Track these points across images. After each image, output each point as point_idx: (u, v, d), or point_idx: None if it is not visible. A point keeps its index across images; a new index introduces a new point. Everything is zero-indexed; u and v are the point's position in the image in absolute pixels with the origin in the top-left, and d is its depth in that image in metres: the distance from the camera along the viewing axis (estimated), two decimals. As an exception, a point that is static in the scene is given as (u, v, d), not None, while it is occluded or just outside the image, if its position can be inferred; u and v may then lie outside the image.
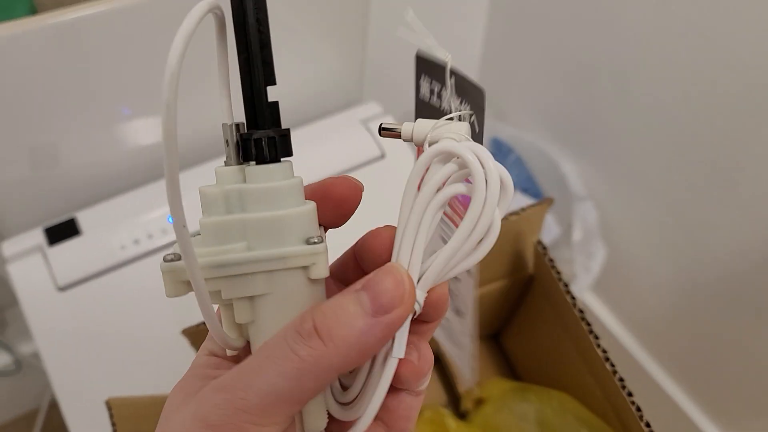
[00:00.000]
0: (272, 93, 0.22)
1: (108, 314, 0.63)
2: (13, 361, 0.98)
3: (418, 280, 0.22)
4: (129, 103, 0.64)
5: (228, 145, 0.23)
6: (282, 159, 0.22)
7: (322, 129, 0.75)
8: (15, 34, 0.54)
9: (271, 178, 0.22)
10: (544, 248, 0.58)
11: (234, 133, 0.23)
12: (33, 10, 0.65)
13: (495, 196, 0.21)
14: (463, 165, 0.22)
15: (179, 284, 0.21)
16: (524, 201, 1.02)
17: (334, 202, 0.24)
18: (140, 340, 0.63)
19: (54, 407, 1.11)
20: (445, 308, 0.24)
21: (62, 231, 0.66)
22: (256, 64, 0.22)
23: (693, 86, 0.73)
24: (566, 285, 0.54)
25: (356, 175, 0.72)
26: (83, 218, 0.67)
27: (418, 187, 0.23)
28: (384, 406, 0.23)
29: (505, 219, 0.52)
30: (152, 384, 0.48)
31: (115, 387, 0.52)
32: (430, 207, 0.22)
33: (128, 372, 0.61)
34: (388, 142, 0.74)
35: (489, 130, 1.05)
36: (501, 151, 1.04)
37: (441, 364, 0.69)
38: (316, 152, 0.72)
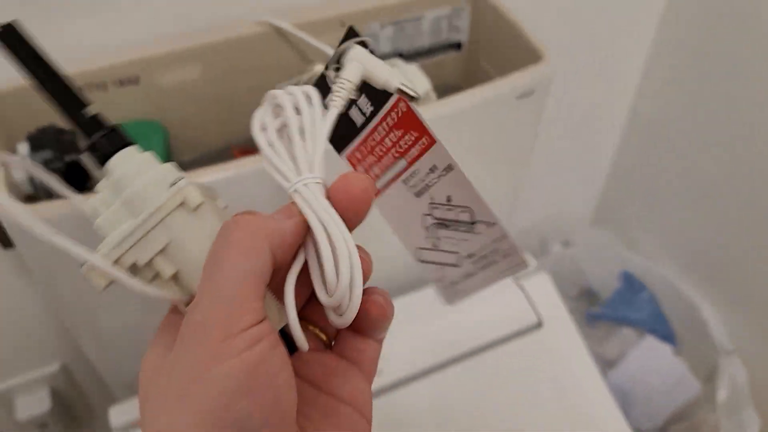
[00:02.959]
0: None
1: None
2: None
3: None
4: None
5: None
6: (126, 145, 0.27)
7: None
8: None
9: (125, 161, 0.27)
10: None
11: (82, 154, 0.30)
12: (168, 142, 0.57)
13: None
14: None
15: (98, 277, 0.25)
16: (655, 344, 0.91)
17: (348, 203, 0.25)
18: None
19: None
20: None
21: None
22: (60, 96, 0.28)
23: None
24: None
25: (507, 349, 0.62)
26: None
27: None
28: (356, 348, 0.27)
29: None
30: None
31: None
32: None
33: None
34: (546, 307, 0.64)
35: (619, 262, 0.95)
36: (632, 288, 0.93)
37: None
38: (455, 316, 0.62)
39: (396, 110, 0.29)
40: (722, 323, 0.88)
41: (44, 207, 0.44)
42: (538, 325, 0.63)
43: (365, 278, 0.25)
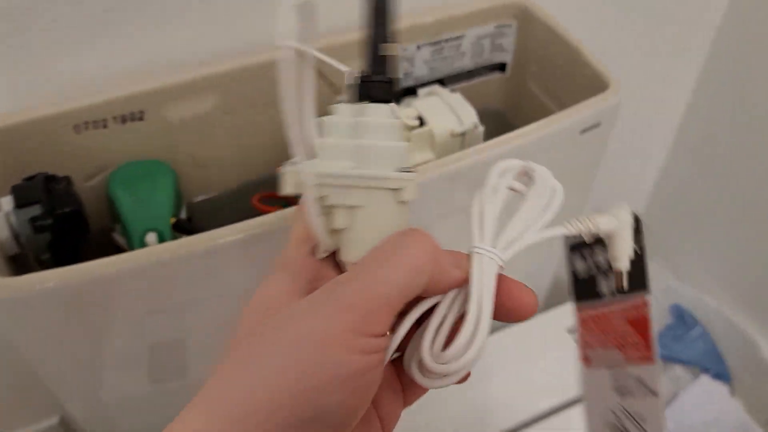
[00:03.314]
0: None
1: None
2: None
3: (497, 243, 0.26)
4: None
5: (347, 89, 0.28)
6: (390, 102, 0.28)
7: (516, 341, 0.57)
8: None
9: (382, 115, 0.28)
10: None
11: (354, 77, 0.28)
12: (177, 184, 0.50)
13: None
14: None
15: (294, 184, 0.27)
16: (709, 383, 0.83)
17: (508, 309, 0.25)
18: None
19: None
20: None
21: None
22: (377, 23, 0.28)
23: None
24: None
25: (561, 420, 0.54)
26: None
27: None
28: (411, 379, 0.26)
29: None
30: None
31: None
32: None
33: None
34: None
35: (667, 294, 0.87)
36: (684, 323, 0.85)
37: None
38: (509, 382, 0.55)
39: (639, 309, 0.30)
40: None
41: (29, 281, 0.36)
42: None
43: (460, 382, 0.25)
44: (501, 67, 0.60)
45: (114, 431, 0.52)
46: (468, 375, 0.25)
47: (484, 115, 0.52)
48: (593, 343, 0.32)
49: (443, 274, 0.24)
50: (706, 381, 0.82)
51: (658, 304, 0.87)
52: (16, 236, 0.41)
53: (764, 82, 0.72)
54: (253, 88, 0.51)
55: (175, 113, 0.50)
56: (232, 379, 0.21)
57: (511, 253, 0.26)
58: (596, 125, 0.48)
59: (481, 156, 0.45)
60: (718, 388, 0.82)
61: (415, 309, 0.25)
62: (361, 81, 0.28)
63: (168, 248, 0.38)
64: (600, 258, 0.31)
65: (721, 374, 0.84)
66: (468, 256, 0.25)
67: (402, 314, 0.25)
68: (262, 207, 0.48)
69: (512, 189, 0.28)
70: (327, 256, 0.28)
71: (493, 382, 0.55)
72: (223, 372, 0.22)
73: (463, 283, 0.25)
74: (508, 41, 0.58)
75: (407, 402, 0.28)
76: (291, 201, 0.47)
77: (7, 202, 0.41)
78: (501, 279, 0.25)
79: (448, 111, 0.50)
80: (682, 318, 0.86)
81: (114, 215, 0.49)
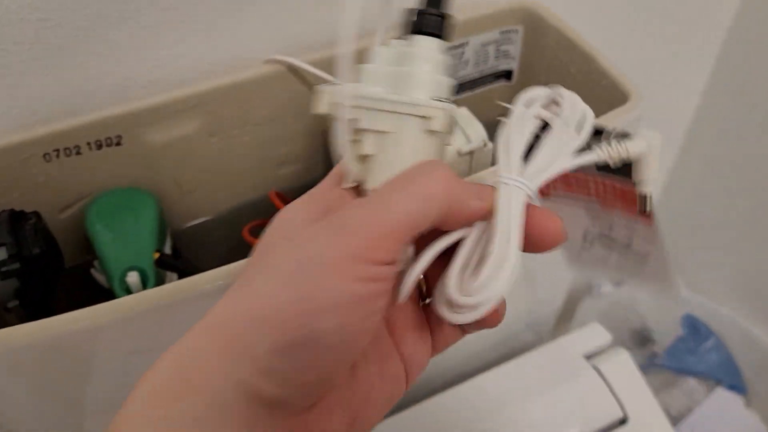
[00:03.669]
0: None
1: None
2: None
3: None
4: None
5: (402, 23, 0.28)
6: (441, 37, 0.27)
7: (529, 369, 0.54)
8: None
9: (429, 47, 0.27)
10: None
11: (409, 10, 0.27)
12: (160, 214, 0.45)
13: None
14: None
15: (329, 104, 0.26)
16: (725, 396, 0.80)
17: (535, 238, 0.24)
18: None
19: None
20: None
21: None
22: None
23: None
24: None
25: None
26: None
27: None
28: (441, 323, 0.26)
29: None
30: None
31: None
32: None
33: None
34: (631, 399, 0.52)
35: (680, 305, 0.83)
36: (699, 333, 0.82)
37: None
38: (530, 407, 0.51)
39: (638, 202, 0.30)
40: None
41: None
42: (624, 420, 0.51)
43: (493, 323, 0.25)
44: (507, 75, 0.56)
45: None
46: (498, 315, 0.25)
47: (490, 127, 0.48)
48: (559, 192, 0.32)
49: (461, 203, 0.23)
50: (721, 393, 0.79)
51: (669, 314, 0.83)
52: (-21, 282, 0.37)
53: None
54: (239, 107, 0.47)
55: (156, 137, 0.45)
56: (232, 300, 0.22)
57: (540, 181, 0.25)
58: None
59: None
60: (734, 400, 0.79)
61: (438, 242, 0.24)
62: (416, 14, 0.27)
63: (148, 296, 0.34)
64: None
65: (737, 385, 0.81)
66: (493, 188, 0.24)
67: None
68: (253, 240, 0.44)
69: (540, 117, 0.26)
70: (354, 188, 0.27)
71: (506, 413, 0.51)
72: (228, 294, 0.22)
73: (488, 216, 0.24)
74: (515, 48, 0.54)
75: (436, 348, 0.27)
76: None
77: (-33, 246, 0.37)
78: (529, 208, 0.24)
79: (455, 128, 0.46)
80: (695, 328, 0.82)
81: (92, 250, 0.45)
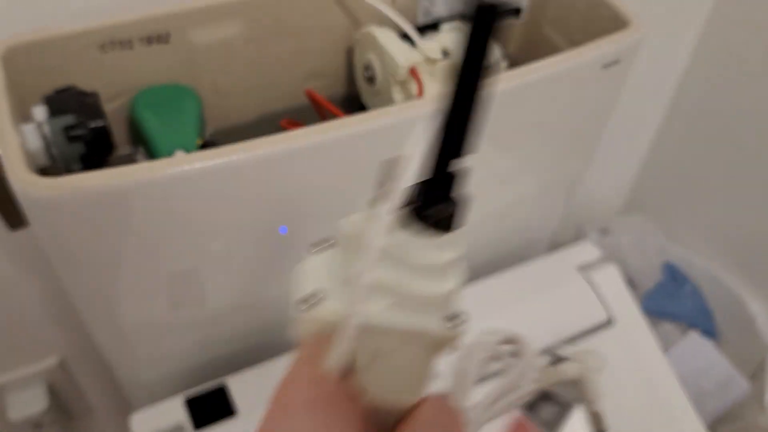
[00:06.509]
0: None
1: None
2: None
3: None
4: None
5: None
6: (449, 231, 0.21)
7: (527, 279, 0.59)
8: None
9: (440, 250, 0.21)
10: None
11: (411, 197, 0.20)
12: (201, 108, 0.50)
13: None
14: None
15: (326, 328, 0.21)
16: (698, 340, 0.86)
17: None
18: None
19: None
20: None
21: (210, 406, 0.50)
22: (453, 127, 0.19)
23: None
24: None
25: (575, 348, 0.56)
26: (236, 388, 0.51)
27: None
28: None
29: None
30: None
31: None
32: None
33: None
34: (617, 303, 0.58)
35: (660, 253, 0.89)
36: (675, 280, 0.87)
37: None
38: (522, 313, 0.56)
39: None
40: (771, 319, 0.83)
41: (66, 182, 0.36)
42: (609, 322, 0.57)
43: None
44: (516, 11, 0.61)
45: (133, 358, 0.52)
46: None
47: (498, 62, 0.52)
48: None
49: None
50: (695, 337, 0.85)
51: (650, 262, 0.89)
52: (47, 147, 0.41)
53: (764, 43, 0.74)
54: (276, 17, 0.51)
55: (201, 37, 0.49)
56: None
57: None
58: (616, 61, 0.49)
59: (506, 84, 0.45)
60: (706, 344, 0.85)
61: None
62: (419, 206, 0.21)
63: (205, 155, 0.38)
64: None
65: (709, 331, 0.87)
66: None
67: None
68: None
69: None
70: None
71: (501, 319, 0.56)
72: None
73: None
74: (524, -16, 0.59)
75: None
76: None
77: (39, 112, 0.41)
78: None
79: None
80: (673, 276, 0.88)
81: (138, 138, 0.49)
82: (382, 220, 0.20)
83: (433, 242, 0.21)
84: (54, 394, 0.75)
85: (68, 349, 0.73)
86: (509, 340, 0.27)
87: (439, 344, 0.22)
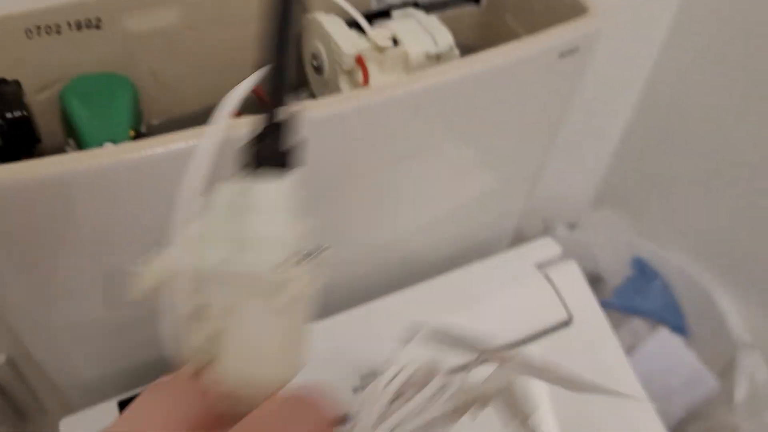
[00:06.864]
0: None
1: None
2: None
3: None
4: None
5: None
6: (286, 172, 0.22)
7: (484, 276, 0.57)
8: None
9: (270, 194, 0.22)
10: None
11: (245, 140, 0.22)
12: (136, 98, 0.47)
13: None
14: None
15: (156, 280, 0.21)
16: (667, 336, 0.84)
17: None
18: None
19: None
20: None
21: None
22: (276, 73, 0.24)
23: None
24: None
25: (533, 349, 0.54)
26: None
27: None
28: None
29: None
30: None
31: None
32: None
33: None
34: (577, 301, 0.56)
35: (630, 248, 0.88)
36: (645, 275, 0.86)
37: None
38: (478, 311, 0.54)
39: None
40: (740, 316, 0.82)
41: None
42: (568, 321, 0.55)
43: None
44: (475, -1, 0.59)
45: (75, 372, 0.50)
46: None
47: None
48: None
49: None
50: (664, 333, 0.84)
51: (619, 257, 0.87)
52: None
53: (739, 35, 0.73)
54: (218, 3, 0.48)
55: (135, 24, 0.47)
56: None
57: None
58: (575, 50, 0.47)
59: (456, 74, 0.43)
60: (675, 340, 0.83)
61: None
62: (253, 148, 0.22)
63: (130, 147, 0.36)
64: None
65: (679, 327, 0.85)
66: None
67: None
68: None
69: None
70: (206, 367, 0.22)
71: (455, 318, 0.54)
72: None
73: None
74: (483, -29, 0.57)
75: None
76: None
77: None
78: None
79: (423, 32, 0.48)
80: (643, 271, 0.87)
81: (68, 130, 0.46)
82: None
83: (268, 184, 0.22)
84: (2, 392, 0.73)
85: (16, 347, 0.70)
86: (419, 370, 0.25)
87: (275, 293, 0.21)
